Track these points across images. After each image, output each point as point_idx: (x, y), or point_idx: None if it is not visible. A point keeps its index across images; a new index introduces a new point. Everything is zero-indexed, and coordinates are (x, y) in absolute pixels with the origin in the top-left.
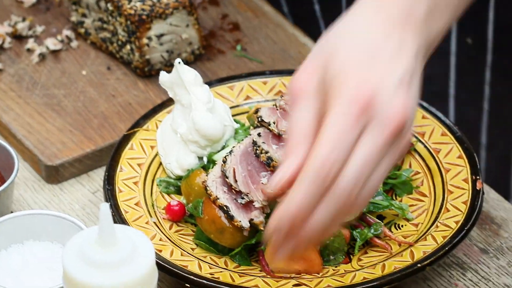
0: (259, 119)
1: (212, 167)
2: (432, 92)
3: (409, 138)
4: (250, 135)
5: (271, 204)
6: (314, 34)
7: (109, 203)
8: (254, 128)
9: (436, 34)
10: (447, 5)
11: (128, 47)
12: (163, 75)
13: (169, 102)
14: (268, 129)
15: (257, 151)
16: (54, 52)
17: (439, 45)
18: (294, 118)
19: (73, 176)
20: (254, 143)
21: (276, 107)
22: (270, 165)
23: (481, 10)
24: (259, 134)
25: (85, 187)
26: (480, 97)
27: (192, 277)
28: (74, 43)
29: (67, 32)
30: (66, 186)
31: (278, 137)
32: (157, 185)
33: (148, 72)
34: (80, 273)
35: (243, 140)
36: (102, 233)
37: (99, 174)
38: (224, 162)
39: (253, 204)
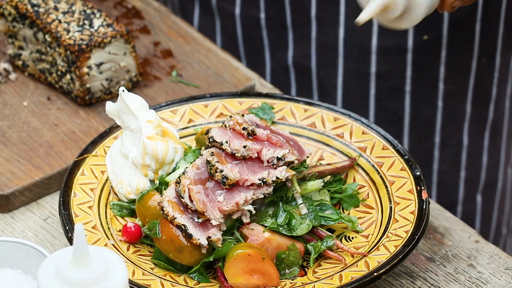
0: (211, 139)
1: (165, 189)
2: (388, 89)
3: None
4: (201, 155)
5: (227, 221)
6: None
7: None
8: (205, 148)
9: None
10: None
11: (68, 76)
12: (109, 105)
13: (114, 128)
14: (221, 148)
15: (211, 170)
16: None
17: (396, 42)
18: None
19: (23, 204)
20: (208, 162)
21: (226, 127)
22: (225, 183)
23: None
24: (212, 154)
25: (35, 215)
26: (434, 94)
27: None
28: (13, 76)
29: (4, 65)
30: (17, 214)
31: (231, 155)
32: (110, 208)
33: (88, 101)
34: None
35: (194, 161)
36: (77, 252)
37: (48, 201)
38: (178, 183)
39: (210, 222)
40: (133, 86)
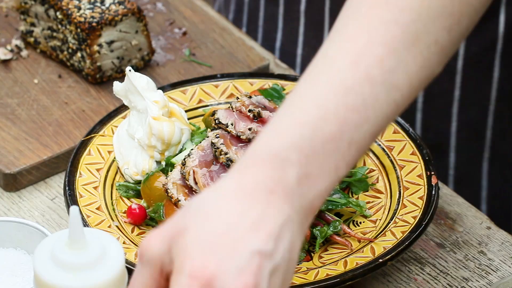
0: (216, 121)
1: (171, 170)
2: None
3: None
4: (207, 137)
5: None
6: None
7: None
8: (211, 130)
9: (315, 196)
10: (326, 166)
11: (78, 54)
12: (116, 85)
13: (123, 107)
14: (226, 130)
15: (216, 152)
16: (5, 62)
17: None
18: (132, 279)
19: (31, 184)
20: (213, 145)
21: (232, 109)
22: (229, 166)
23: None
24: (217, 136)
25: (43, 194)
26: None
27: None
28: (24, 53)
29: (16, 41)
30: (24, 193)
31: (236, 138)
32: (116, 189)
33: (99, 79)
34: (51, 276)
35: (200, 142)
36: (72, 236)
37: (56, 180)
38: (184, 164)
39: None
40: (145, 65)
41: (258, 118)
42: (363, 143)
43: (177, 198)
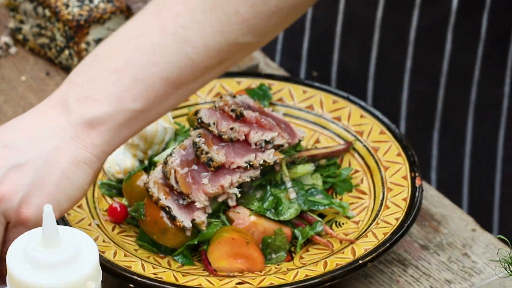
0: (199, 120)
1: (153, 169)
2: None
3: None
4: (190, 136)
5: (213, 204)
6: None
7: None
8: (194, 129)
9: (94, 116)
10: (106, 93)
11: (66, 52)
12: None
13: None
14: (208, 130)
15: (198, 152)
16: None
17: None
18: None
19: None
20: (194, 144)
21: (216, 108)
22: (210, 166)
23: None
24: (199, 135)
25: None
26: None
27: (135, 277)
28: (13, 50)
29: (5, 38)
30: None
31: (218, 137)
32: (98, 187)
33: None
34: (24, 274)
35: (183, 141)
36: (46, 234)
37: None
38: (165, 163)
39: (195, 204)
40: None
41: (240, 118)
42: (151, 83)
43: (158, 197)
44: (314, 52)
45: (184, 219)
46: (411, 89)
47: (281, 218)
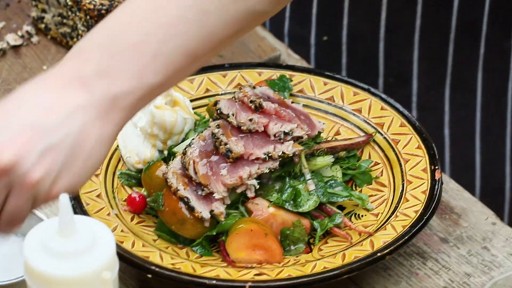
0: (218, 111)
1: (173, 159)
2: None
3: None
4: (209, 127)
5: (232, 195)
6: (274, 28)
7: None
8: (213, 120)
9: (117, 94)
10: (127, 69)
11: None
12: None
13: None
14: (227, 121)
15: (216, 143)
16: (15, 48)
17: None
18: None
19: None
20: (213, 135)
21: (235, 99)
22: (229, 157)
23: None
24: (217, 126)
25: None
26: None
27: (153, 267)
28: (35, 39)
29: (27, 27)
30: None
31: (237, 128)
32: (118, 177)
33: None
34: (41, 264)
35: (202, 132)
36: (62, 223)
37: None
38: (184, 154)
39: (213, 195)
40: None
41: (259, 109)
42: (172, 57)
43: (176, 187)
44: (323, 17)
45: (203, 210)
46: (422, 47)
47: (300, 209)
